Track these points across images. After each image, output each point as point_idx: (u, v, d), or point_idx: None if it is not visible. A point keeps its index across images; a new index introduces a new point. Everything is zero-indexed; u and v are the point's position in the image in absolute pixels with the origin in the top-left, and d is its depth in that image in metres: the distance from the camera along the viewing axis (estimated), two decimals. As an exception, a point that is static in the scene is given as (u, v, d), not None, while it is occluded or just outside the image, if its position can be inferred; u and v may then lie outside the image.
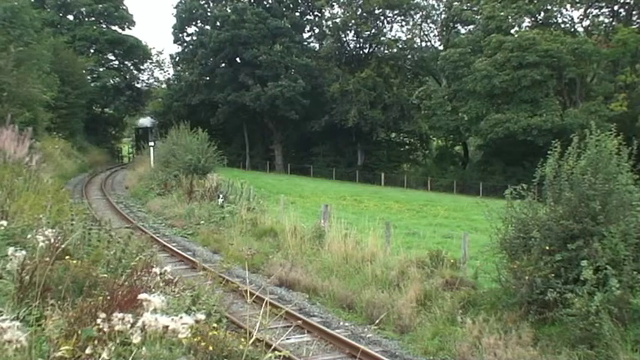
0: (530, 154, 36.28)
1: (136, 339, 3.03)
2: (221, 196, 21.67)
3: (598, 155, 8.99)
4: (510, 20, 43.73)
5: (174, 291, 7.06)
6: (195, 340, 4.80)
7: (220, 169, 30.24)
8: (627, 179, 8.96)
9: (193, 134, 27.47)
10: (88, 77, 54.95)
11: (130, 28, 62.31)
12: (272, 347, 4.36)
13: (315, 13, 57.91)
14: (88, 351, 3.24)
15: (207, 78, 55.64)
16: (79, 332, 3.60)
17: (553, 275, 8.60)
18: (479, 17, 46.49)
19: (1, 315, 4.01)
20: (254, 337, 4.39)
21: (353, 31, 53.35)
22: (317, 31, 57.82)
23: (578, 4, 45.10)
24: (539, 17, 44.70)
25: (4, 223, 6.32)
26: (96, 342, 3.32)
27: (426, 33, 55.51)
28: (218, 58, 53.51)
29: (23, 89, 26.71)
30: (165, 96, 60.34)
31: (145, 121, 62.00)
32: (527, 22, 45.30)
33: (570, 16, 46.50)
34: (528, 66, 39.88)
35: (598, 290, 7.98)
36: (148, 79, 70.30)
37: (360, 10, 52.06)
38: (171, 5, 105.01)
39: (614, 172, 8.91)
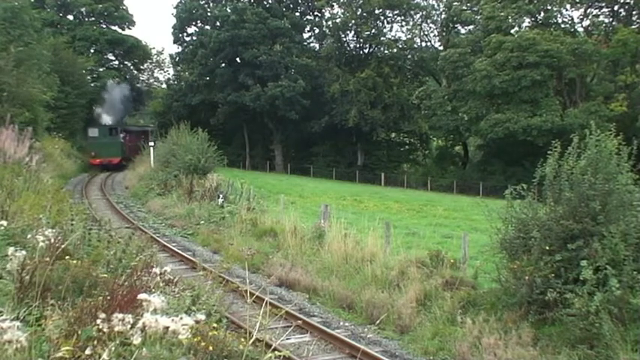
0: (530, 154, 36.31)
1: (136, 340, 3.02)
2: (221, 196, 21.66)
3: (598, 155, 8.98)
4: (510, 20, 43.68)
5: (174, 291, 7.06)
6: (195, 340, 4.79)
7: (220, 169, 30.22)
8: (627, 179, 8.95)
9: (193, 134, 27.47)
10: (88, 77, 54.90)
11: (130, 28, 62.41)
12: (272, 347, 4.36)
13: (315, 13, 57.92)
14: (88, 351, 3.23)
15: (207, 78, 55.61)
16: (79, 332, 3.60)
17: (553, 275, 8.60)
18: (479, 17, 46.44)
19: (1, 315, 4.01)
20: (254, 337, 4.39)
21: (353, 32, 53.30)
22: (317, 31, 57.78)
23: (578, 4, 45.06)
24: (539, 17, 44.66)
25: (4, 223, 6.32)
26: (96, 342, 3.32)
27: (426, 33, 55.55)
28: (218, 59, 53.47)
29: (23, 89, 26.67)
30: (165, 96, 60.36)
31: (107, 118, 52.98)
32: (527, 22, 45.26)
33: (570, 16, 46.50)
34: (528, 66, 39.85)
35: (598, 290, 7.97)
36: (148, 79, 70.47)
37: (360, 10, 52.01)
38: (171, 5, 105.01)
39: (614, 172, 8.91)
